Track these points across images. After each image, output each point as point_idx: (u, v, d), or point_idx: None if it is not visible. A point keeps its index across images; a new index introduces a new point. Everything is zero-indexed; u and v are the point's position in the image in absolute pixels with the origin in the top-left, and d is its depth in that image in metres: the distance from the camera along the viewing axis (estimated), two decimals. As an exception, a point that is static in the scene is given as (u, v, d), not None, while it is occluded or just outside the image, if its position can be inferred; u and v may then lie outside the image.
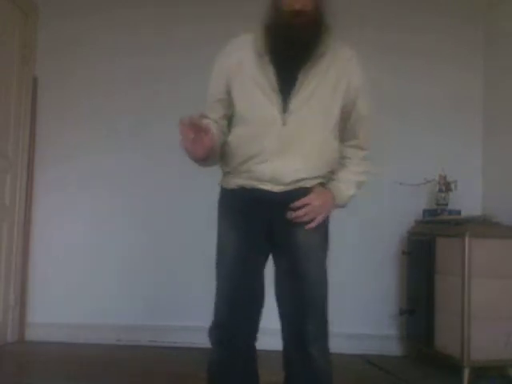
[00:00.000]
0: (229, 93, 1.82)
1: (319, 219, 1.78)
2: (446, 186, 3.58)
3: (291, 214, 1.75)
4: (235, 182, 1.82)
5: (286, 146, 1.74)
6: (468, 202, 3.63)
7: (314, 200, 1.76)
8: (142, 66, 3.80)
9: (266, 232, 1.79)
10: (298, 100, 1.74)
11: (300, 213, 1.75)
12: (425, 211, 3.67)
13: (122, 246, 3.77)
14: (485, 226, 3.23)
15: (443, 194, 3.58)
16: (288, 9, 1.69)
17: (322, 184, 1.83)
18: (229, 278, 1.81)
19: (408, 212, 3.67)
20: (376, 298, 3.71)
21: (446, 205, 3.58)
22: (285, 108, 1.74)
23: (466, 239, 3.05)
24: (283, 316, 1.81)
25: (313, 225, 1.77)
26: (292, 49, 1.73)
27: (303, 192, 1.77)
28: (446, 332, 3.18)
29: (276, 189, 1.76)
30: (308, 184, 1.79)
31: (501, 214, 3.32)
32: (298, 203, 1.75)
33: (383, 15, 3.85)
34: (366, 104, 1.87)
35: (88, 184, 3.81)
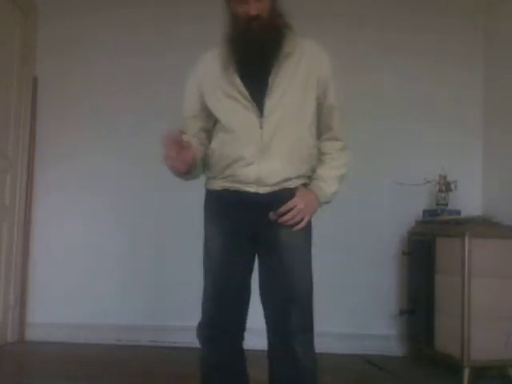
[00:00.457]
0: (204, 109, 1.86)
1: (305, 221, 1.81)
2: (446, 186, 3.58)
3: (273, 216, 1.78)
4: (219, 184, 1.86)
5: (265, 149, 1.77)
6: (468, 202, 3.63)
7: (298, 203, 1.80)
8: (142, 66, 3.80)
9: (251, 233, 1.82)
10: (271, 102, 1.78)
11: (286, 217, 1.79)
12: (425, 211, 3.66)
13: (122, 246, 3.77)
14: (485, 226, 3.23)
15: (443, 194, 3.58)
16: (245, 16, 1.73)
17: (304, 184, 1.86)
18: (216, 280, 1.84)
19: (408, 212, 3.67)
20: (376, 298, 3.70)
21: (446, 205, 3.57)
22: (260, 112, 1.78)
23: (466, 239, 3.05)
24: (268, 314, 1.84)
25: (300, 226, 1.81)
26: (254, 53, 1.76)
27: (287, 193, 1.81)
28: (446, 332, 3.17)
29: (261, 190, 1.79)
30: (292, 185, 1.82)
31: (501, 214, 3.32)
32: (283, 209, 1.79)
33: (383, 15, 3.85)
34: (336, 94, 1.89)
35: (88, 184, 3.81)
